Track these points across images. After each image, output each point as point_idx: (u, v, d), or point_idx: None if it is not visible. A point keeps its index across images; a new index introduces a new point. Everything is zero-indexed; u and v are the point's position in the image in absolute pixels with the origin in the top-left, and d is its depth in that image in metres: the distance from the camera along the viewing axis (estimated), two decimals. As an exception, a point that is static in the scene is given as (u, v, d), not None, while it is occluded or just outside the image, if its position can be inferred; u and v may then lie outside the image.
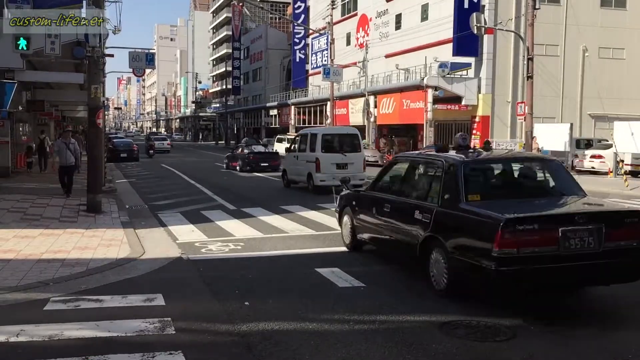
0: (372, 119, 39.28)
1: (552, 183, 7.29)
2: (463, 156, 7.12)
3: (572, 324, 5.83)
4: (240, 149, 30.73)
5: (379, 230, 8.22)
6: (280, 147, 44.42)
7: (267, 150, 30.45)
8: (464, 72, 34.00)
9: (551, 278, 5.95)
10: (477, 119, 33.73)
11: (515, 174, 7.45)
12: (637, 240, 6.04)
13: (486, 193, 6.76)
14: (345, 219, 9.44)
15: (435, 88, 32.85)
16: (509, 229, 5.68)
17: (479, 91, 33.36)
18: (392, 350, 5.07)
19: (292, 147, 20.12)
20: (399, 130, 40.54)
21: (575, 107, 34.77)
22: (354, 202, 9.18)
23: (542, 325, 5.74)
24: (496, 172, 7.49)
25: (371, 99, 39.12)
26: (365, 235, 8.75)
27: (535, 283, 5.99)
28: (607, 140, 27.03)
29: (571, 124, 28.40)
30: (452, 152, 7.38)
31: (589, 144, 28.39)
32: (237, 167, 27.90)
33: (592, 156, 26.34)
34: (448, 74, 32.89)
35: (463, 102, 33.32)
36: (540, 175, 7.46)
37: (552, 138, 26.65)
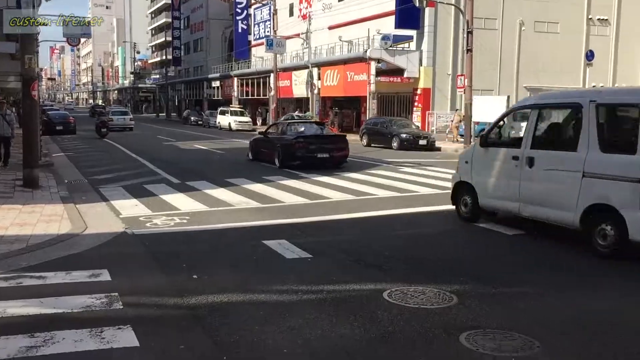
0: (315, 91, 39.23)
1: None
2: None
3: (511, 288, 6.14)
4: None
5: None
6: (223, 120, 43.82)
7: (325, 133, 19.22)
8: (406, 45, 34.32)
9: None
10: (418, 91, 34.21)
11: None
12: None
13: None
14: None
15: (378, 60, 33.08)
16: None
17: (420, 64, 33.78)
18: (340, 318, 5.22)
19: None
20: (343, 102, 40.69)
21: (511, 79, 35.73)
22: None
23: (487, 287, 6.03)
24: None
25: (315, 71, 39.00)
26: None
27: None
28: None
29: (508, 97, 29.16)
30: None
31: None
32: (275, 161, 17.56)
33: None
34: (391, 46, 33.13)
35: (405, 75, 33.68)
36: None
37: (489, 110, 27.36)
